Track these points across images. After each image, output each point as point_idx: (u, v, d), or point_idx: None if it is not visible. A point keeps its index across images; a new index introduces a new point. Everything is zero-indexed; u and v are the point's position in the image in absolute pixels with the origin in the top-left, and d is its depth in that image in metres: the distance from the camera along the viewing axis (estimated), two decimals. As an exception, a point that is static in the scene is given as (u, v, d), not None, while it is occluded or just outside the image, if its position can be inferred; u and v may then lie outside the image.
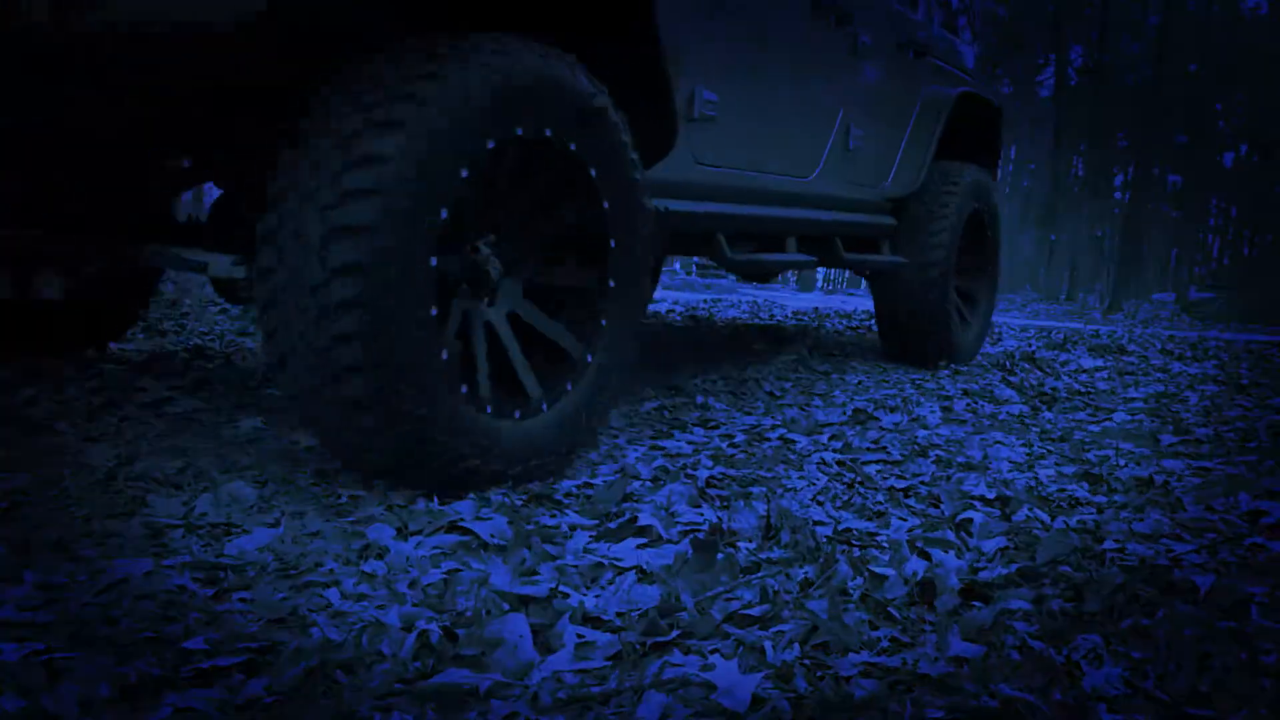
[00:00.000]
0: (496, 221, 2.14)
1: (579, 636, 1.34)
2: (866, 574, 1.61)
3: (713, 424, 2.98)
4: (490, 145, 1.91)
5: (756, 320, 6.81)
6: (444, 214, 1.84)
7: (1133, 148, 27.12)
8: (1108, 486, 2.34)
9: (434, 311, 1.85)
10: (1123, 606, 1.44)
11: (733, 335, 5.70)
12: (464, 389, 1.95)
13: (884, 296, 4.54)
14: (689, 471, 2.30)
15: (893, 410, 3.33)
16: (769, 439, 2.77)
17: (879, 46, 3.94)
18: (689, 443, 2.67)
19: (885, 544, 1.81)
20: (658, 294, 9.69)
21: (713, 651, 1.31)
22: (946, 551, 1.76)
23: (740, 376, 3.89)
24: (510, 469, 2.05)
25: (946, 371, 4.51)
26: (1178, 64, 26.32)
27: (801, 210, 3.57)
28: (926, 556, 1.72)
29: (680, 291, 12.85)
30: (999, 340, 6.45)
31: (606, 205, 2.20)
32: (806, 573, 1.61)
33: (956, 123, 4.58)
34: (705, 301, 9.08)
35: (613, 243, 2.25)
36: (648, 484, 2.17)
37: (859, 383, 4.05)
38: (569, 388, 2.21)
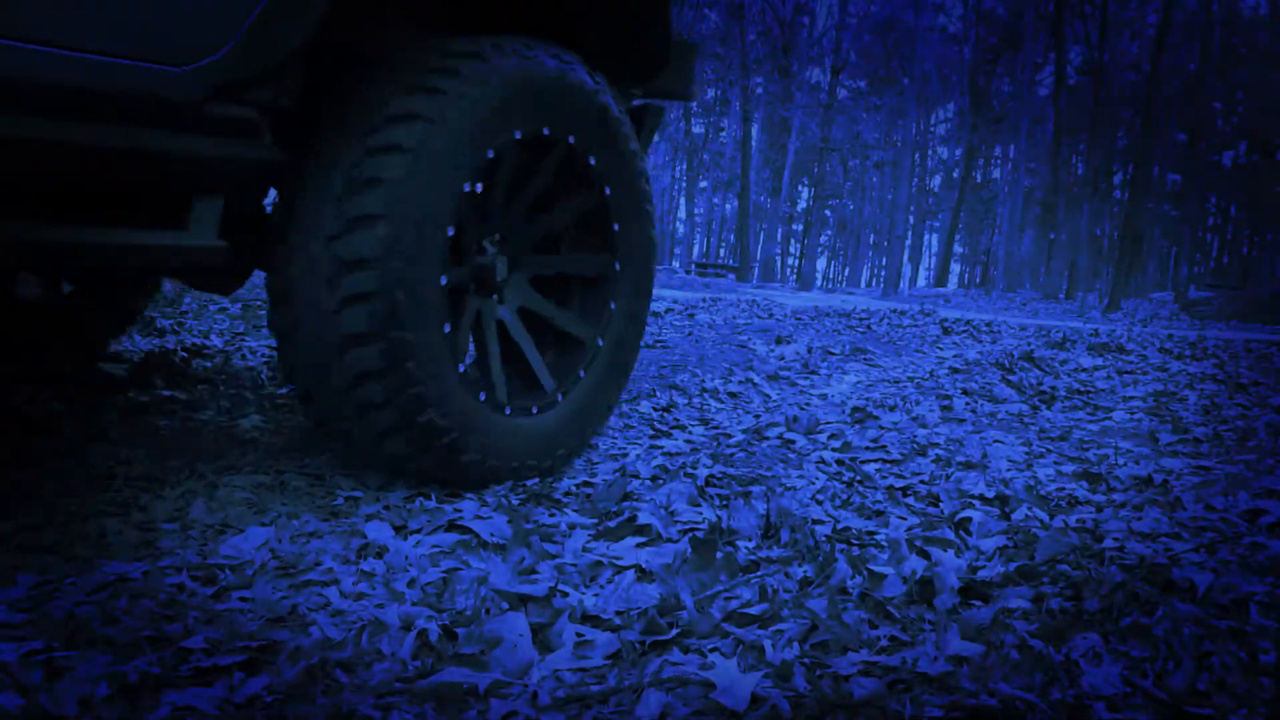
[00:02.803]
0: None
1: (578, 635, 1.34)
2: (865, 573, 1.61)
3: (712, 423, 2.98)
4: None
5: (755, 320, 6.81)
6: None
7: (1132, 147, 27.14)
8: (1107, 485, 2.34)
9: None
10: (1122, 605, 1.44)
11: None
12: None
13: (282, 332, 2.01)
14: (688, 470, 2.30)
15: (892, 409, 3.33)
16: (768, 438, 2.77)
17: None
18: (688, 441, 2.67)
19: (884, 543, 1.81)
20: (655, 292, 9.68)
21: (712, 650, 1.31)
22: (945, 550, 1.76)
23: (742, 377, 3.89)
24: None
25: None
26: (1177, 63, 26.33)
27: None
28: (925, 555, 1.72)
29: (679, 290, 12.85)
30: (998, 339, 6.44)
31: None
32: (806, 571, 1.62)
33: None
34: (704, 300, 9.08)
35: None
36: (647, 483, 2.17)
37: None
38: None
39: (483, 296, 2.20)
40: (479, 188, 2.09)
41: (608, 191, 2.36)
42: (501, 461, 2.11)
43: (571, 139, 2.23)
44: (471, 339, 2.23)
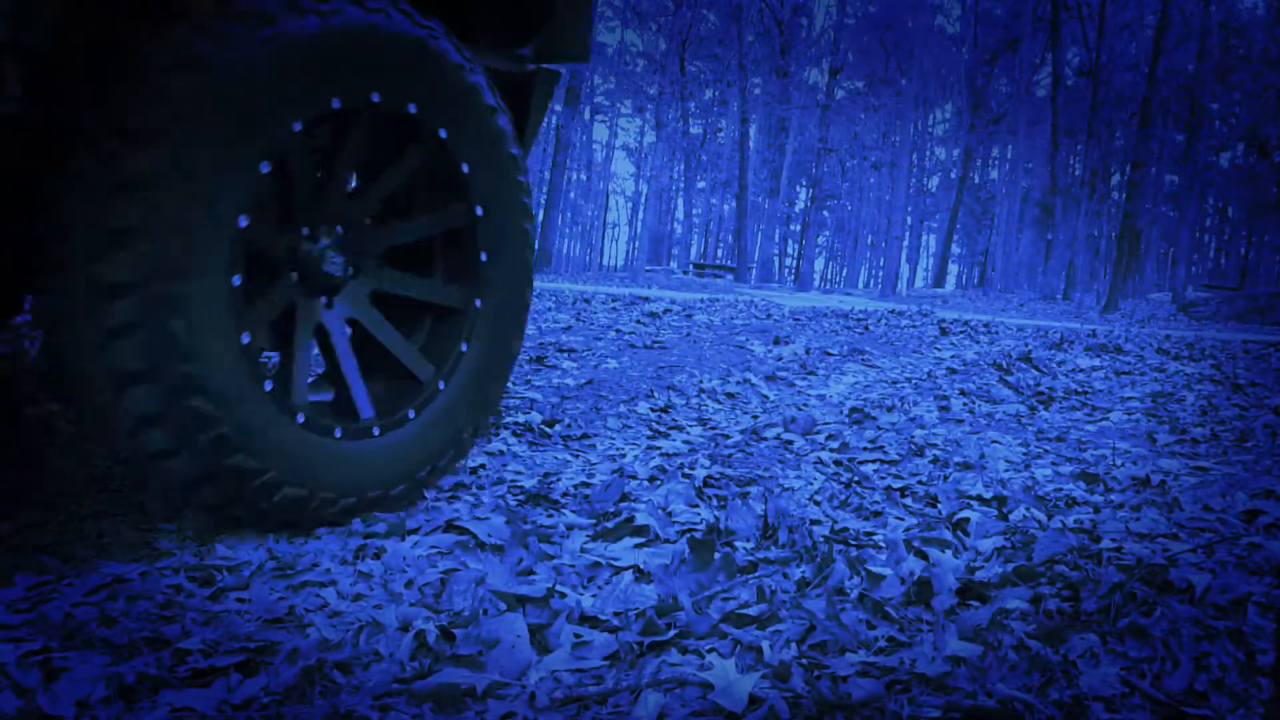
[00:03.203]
0: None
1: (576, 636, 1.34)
2: (864, 573, 1.61)
3: (710, 424, 2.98)
4: None
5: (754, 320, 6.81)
6: None
7: (1129, 147, 27.21)
8: (1104, 486, 2.34)
9: None
10: (1119, 606, 1.44)
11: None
12: None
13: (46, 326, 1.65)
14: (686, 471, 2.30)
15: (889, 410, 3.34)
16: (766, 438, 2.77)
17: None
18: (685, 442, 2.67)
19: (882, 543, 1.81)
20: (653, 293, 9.69)
21: (710, 651, 1.31)
22: (943, 551, 1.76)
23: (740, 378, 3.89)
24: None
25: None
26: (1174, 64, 26.39)
27: None
28: (923, 556, 1.72)
29: (677, 291, 12.86)
30: (995, 340, 6.45)
31: None
32: (804, 572, 1.62)
33: None
34: (702, 301, 9.08)
35: None
36: (645, 484, 2.17)
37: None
38: None
39: (306, 294, 1.81)
40: (303, 165, 1.72)
41: (479, 211, 1.99)
42: (323, 494, 1.74)
43: (443, 133, 1.89)
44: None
